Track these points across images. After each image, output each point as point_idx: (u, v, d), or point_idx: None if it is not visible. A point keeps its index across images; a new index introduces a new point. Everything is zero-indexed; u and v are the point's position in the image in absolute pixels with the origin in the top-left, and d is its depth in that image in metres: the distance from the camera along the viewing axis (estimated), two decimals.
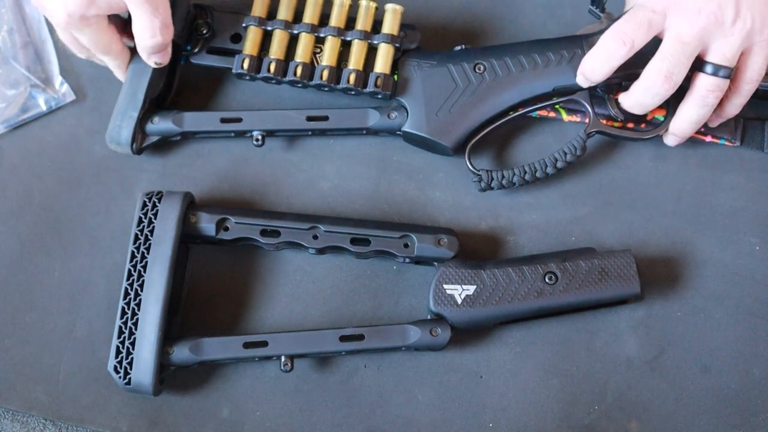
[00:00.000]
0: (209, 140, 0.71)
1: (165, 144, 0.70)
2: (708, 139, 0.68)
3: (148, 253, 0.61)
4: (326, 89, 0.67)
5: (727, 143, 0.68)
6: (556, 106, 0.69)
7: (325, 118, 0.68)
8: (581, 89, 0.65)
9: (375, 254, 0.64)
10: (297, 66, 0.66)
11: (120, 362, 0.59)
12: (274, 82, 0.68)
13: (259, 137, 0.67)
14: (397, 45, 0.67)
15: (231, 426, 0.62)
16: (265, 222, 0.63)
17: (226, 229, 0.63)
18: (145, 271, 0.60)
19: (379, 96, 0.67)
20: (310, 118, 0.68)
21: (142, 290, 0.60)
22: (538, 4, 0.74)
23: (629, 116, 0.66)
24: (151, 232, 0.61)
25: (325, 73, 0.66)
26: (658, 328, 0.64)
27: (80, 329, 0.65)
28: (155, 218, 0.62)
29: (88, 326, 0.65)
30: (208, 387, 0.63)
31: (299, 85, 0.68)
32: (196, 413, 0.62)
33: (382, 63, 0.67)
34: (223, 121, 0.68)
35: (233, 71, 0.67)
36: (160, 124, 0.67)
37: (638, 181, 0.68)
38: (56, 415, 0.63)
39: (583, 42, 0.65)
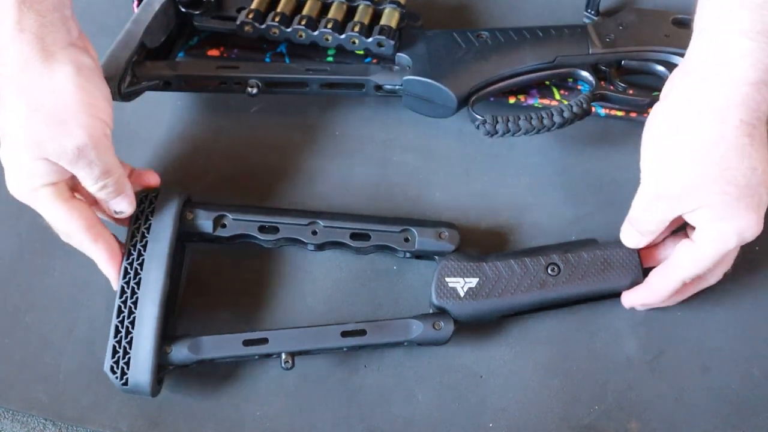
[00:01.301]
0: (209, 140, 0.71)
1: (164, 144, 0.70)
2: None
3: (144, 251, 0.60)
4: (329, 40, 0.68)
5: None
6: (558, 96, 0.70)
7: (325, 69, 0.68)
8: (582, 62, 0.66)
9: (375, 249, 0.64)
10: (302, 19, 0.68)
11: (117, 362, 0.58)
12: (277, 34, 0.69)
13: (255, 88, 0.68)
14: (402, 11, 0.69)
15: (231, 426, 0.62)
16: (263, 218, 0.63)
17: (224, 226, 0.62)
18: (141, 269, 0.60)
19: (383, 47, 0.67)
20: (310, 69, 0.68)
21: (138, 288, 0.59)
22: (539, 4, 0.74)
23: (632, 104, 0.68)
24: (148, 229, 0.61)
25: (330, 24, 0.68)
26: (658, 328, 0.64)
27: (80, 329, 0.65)
28: (152, 215, 0.61)
29: (88, 326, 0.65)
30: (208, 387, 0.63)
31: (302, 37, 0.69)
32: (196, 413, 0.62)
33: (387, 20, 0.69)
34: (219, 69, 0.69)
35: (237, 22, 0.69)
36: (153, 68, 0.68)
37: (638, 181, 0.67)
38: (56, 415, 0.63)
39: (588, 27, 0.67)
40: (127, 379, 0.58)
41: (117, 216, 0.61)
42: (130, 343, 0.59)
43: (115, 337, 0.59)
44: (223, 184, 0.70)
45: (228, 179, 0.70)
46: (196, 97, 0.74)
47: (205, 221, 0.62)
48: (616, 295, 0.63)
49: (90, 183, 0.57)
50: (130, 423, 0.62)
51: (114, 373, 0.59)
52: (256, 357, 0.61)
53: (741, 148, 0.53)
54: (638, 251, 0.62)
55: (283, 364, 0.60)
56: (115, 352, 0.59)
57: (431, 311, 0.62)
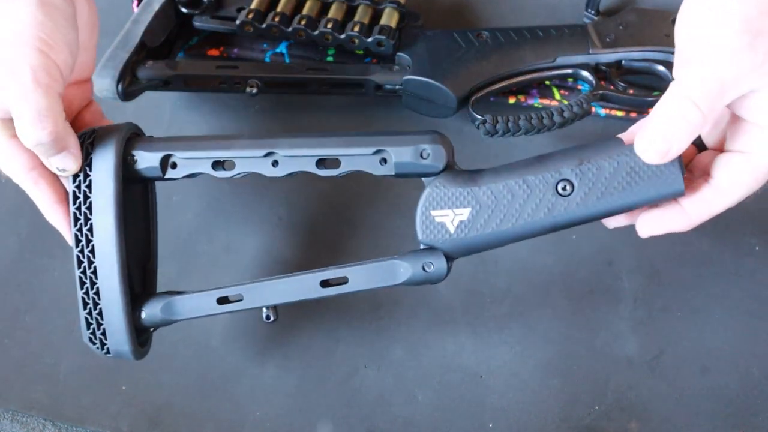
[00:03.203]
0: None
1: None
2: None
3: (91, 214, 0.53)
4: (329, 40, 0.68)
5: None
6: (558, 96, 0.70)
7: (325, 69, 0.69)
8: (582, 62, 0.67)
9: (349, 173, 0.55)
10: (301, 18, 0.68)
11: (93, 333, 0.54)
12: (277, 34, 0.69)
13: (255, 88, 0.68)
14: (402, 11, 0.69)
15: (231, 426, 0.62)
16: (216, 153, 0.54)
17: (174, 166, 0.54)
18: (93, 235, 0.53)
19: (383, 47, 0.67)
20: (310, 69, 0.69)
21: (94, 257, 0.53)
22: (539, 4, 0.74)
23: (632, 104, 0.69)
24: (89, 187, 0.53)
25: (330, 24, 0.68)
26: (658, 328, 0.64)
27: (80, 329, 0.65)
28: (90, 170, 0.53)
29: None
30: (208, 387, 0.63)
31: (302, 37, 0.69)
32: (196, 413, 0.62)
33: (387, 20, 0.69)
34: (219, 67, 0.69)
35: (237, 22, 0.69)
36: (152, 68, 0.67)
37: None
38: (56, 415, 0.63)
39: (588, 26, 0.68)
40: (108, 348, 0.54)
41: (61, 174, 0.54)
42: (101, 313, 0.53)
43: (85, 308, 0.54)
44: (222, 184, 0.70)
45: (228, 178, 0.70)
46: (196, 97, 0.74)
47: (150, 165, 0.54)
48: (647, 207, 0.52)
49: (25, 127, 0.50)
50: (130, 423, 0.62)
51: (94, 343, 0.55)
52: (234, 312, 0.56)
53: None
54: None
55: (264, 319, 0.55)
56: (88, 323, 0.54)
57: (421, 246, 0.54)
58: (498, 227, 0.51)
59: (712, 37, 0.45)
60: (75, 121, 0.58)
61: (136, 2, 0.71)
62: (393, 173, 0.53)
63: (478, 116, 0.65)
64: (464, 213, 0.52)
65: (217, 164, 0.54)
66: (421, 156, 0.52)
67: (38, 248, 0.68)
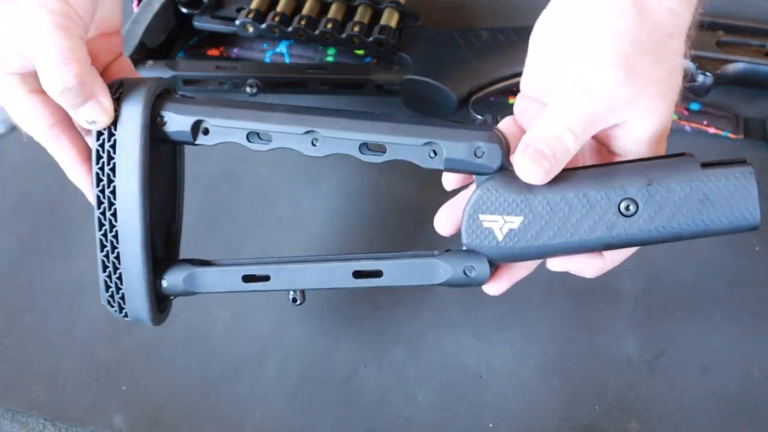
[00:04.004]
0: None
1: None
2: (711, 130, 0.69)
3: (114, 176, 0.50)
4: (329, 40, 0.69)
5: (731, 135, 0.69)
6: None
7: (325, 69, 0.69)
8: None
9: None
10: (301, 18, 0.69)
11: (112, 296, 0.52)
12: (277, 34, 0.69)
13: (254, 87, 0.68)
14: (402, 11, 0.69)
15: (231, 426, 0.62)
16: (253, 124, 0.50)
17: (206, 132, 0.51)
18: (115, 198, 0.50)
19: (383, 47, 0.67)
20: (310, 69, 0.69)
21: (116, 220, 0.50)
22: (539, 4, 0.74)
23: None
24: (114, 147, 0.50)
25: (329, 24, 0.68)
26: (658, 328, 0.64)
27: (80, 329, 0.65)
28: (115, 128, 0.50)
29: (88, 326, 0.65)
30: (208, 387, 0.63)
31: (302, 37, 0.69)
32: (196, 413, 0.62)
33: (387, 20, 0.69)
34: (219, 68, 0.69)
35: (237, 22, 0.69)
36: (153, 68, 0.68)
37: None
38: (56, 415, 0.63)
39: None
40: (126, 312, 0.53)
41: (92, 128, 0.50)
42: (119, 277, 0.51)
43: (104, 271, 0.52)
44: (222, 183, 0.70)
45: (227, 178, 0.70)
46: None
47: (181, 129, 0.51)
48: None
49: (48, 73, 0.47)
50: (130, 423, 0.62)
51: (112, 306, 0.53)
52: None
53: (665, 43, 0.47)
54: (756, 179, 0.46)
55: (291, 302, 0.53)
56: (107, 286, 0.52)
57: (463, 247, 0.50)
58: (550, 240, 0.48)
59: (590, 70, 0.47)
60: (103, 74, 0.53)
61: (136, 2, 0.71)
62: (442, 168, 0.49)
63: (478, 116, 0.65)
64: (515, 221, 0.48)
65: (253, 135, 0.51)
66: (475, 154, 0.48)
67: (38, 248, 0.68)
